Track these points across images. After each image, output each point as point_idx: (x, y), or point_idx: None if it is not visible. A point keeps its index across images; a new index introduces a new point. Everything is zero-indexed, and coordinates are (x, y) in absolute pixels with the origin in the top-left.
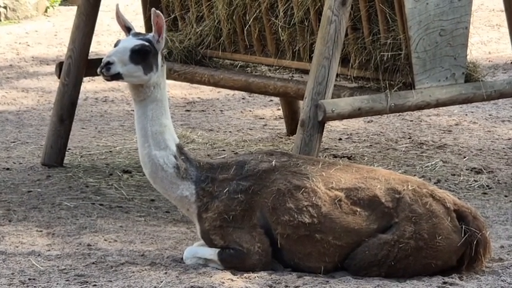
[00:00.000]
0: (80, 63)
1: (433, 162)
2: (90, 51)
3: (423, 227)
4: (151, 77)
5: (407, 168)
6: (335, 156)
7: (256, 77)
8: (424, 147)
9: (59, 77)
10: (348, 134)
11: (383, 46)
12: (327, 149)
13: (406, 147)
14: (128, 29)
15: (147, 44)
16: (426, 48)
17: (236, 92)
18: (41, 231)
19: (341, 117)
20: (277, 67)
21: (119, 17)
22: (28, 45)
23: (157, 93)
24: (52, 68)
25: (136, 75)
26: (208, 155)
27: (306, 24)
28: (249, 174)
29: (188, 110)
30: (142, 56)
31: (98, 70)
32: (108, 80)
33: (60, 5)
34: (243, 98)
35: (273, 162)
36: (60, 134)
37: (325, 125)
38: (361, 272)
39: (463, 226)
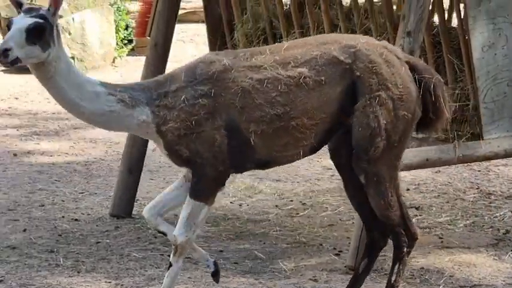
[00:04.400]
0: None
1: (501, 213)
2: None
3: (385, 76)
4: (50, 53)
5: (476, 218)
6: None
7: None
8: (492, 198)
9: None
10: (415, 184)
11: (451, 97)
12: None
13: (474, 197)
14: (18, 4)
15: (41, 21)
16: (494, 99)
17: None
18: (110, 282)
19: (409, 168)
20: None
21: None
22: None
23: (61, 65)
24: None
25: (35, 55)
26: (276, 206)
27: None
28: (204, 78)
29: None
30: (38, 34)
31: None
32: (7, 67)
33: (128, 55)
34: None
35: (225, 61)
36: (128, 185)
37: None
38: (371, 154)
39: (416, 76)
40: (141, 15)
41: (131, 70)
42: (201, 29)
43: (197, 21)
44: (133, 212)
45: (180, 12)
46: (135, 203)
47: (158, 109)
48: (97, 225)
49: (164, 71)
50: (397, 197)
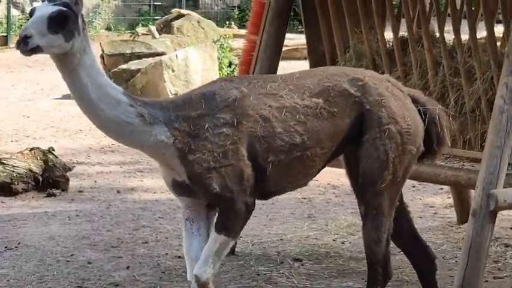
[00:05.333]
0: None
1: None
2: None
3: (393, 110)
4: (74, 43)
5: None
6: (507, 246)
7: (426, 165)
8: None
9: None
10: None
11: None
12: (498, 238)
13: None
14: None
15: (64, 9)
16: None
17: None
18: None
19: None
20: (447, 156)
21: None
22: None
23: (86, 59)
24: None
25: (57, 44)
26: None
27: (477, 113)
28: (224, 105)
29: None
30: (61, 23)
31: (16, 45)
32: (28, 55)
33: None
34: (413, 186)
35: (243, 88)
36: None
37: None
38: (377, 187)
39: (421, 108)
40: (245, 53)
41: None
42: (304, 66)
43: (299, 58)
44: (237, 249)
45: (283, 49)
46: (238, 240)
47: (181, 134)
48: None
49: None
50: (387, 235)
